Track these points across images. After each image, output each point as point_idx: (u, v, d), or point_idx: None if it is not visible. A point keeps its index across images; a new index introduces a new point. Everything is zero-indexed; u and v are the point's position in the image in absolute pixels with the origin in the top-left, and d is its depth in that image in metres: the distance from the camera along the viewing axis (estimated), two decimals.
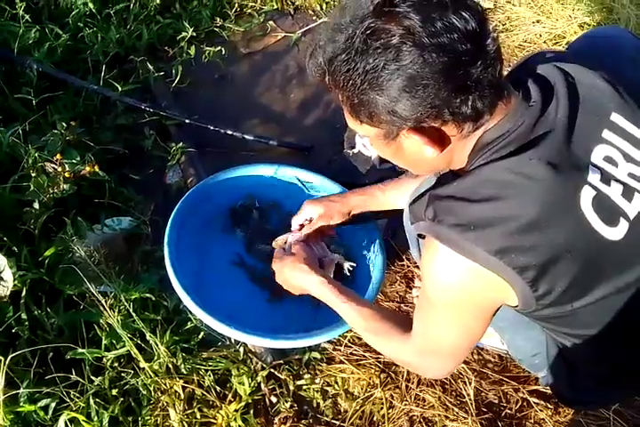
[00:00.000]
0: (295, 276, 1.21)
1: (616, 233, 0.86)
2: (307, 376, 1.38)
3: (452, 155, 0.90)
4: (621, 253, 0.88)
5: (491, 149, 0.86)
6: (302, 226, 1.35)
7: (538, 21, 2.14)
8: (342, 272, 1.37)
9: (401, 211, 1.29)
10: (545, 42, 2.09)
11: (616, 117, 0.91)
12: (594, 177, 0.86)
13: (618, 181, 0.88)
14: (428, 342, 1.00)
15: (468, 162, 0.90)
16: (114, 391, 1.26)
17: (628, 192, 0.88)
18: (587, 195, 0.84)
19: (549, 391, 1.37)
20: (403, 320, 1.10)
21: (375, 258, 1.48)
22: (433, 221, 0.85)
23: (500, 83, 0.83)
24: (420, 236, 0.96)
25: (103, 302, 1.28)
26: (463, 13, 0.78)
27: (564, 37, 2.08)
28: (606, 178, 0.87)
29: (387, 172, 1.70)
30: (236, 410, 1.28)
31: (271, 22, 2.13)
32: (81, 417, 1.19)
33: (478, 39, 0.79)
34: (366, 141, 1.71)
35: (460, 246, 0.82)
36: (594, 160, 0.87)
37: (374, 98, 0.81)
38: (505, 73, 0.94)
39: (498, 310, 0.94)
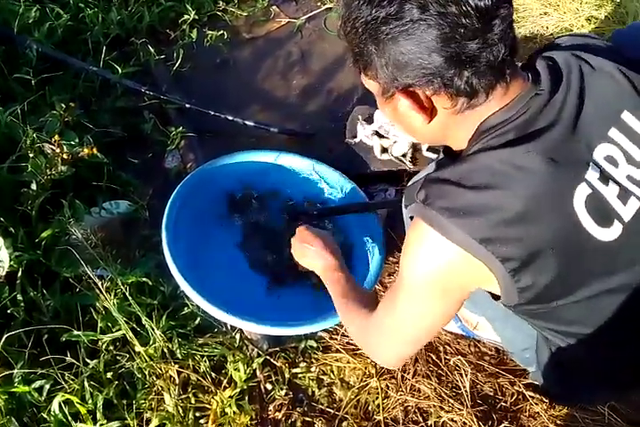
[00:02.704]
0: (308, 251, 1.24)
1: (608, 234, 0.85)
2: (302, 364, 1.38)
3: (446, 129, 0.89)
4: (613, 255, 0.87)
5: (490, 134, 0.84)
6: None
7: (545, 13, 2.12)
8: None
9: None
10: (552, 34, 2.07)
11: (627, 116, 0.89)
12: (592, 175, 0.84)
13: (615, 182, 0.86)
14: (393, 321, 0.97)
15: (468, 145, 0.88)
16: (109, 374, 1.26)
17: (623, 195, 0.87)
18: (581, 192, 0.83)
19: None
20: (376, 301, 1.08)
21: (374, 248, 1.48)
22: (423, 204, 0.84)
23: (501, 66, 0.81)
24: (412, 219, 0.94)
25: (99, 285, 1.27)
26: None
27: (571, 30, 2.07)
28: (605, 177, 0.85)
29: (387, 161, 1.69)
30: (231, 396, 1.28)
31: (275, 7, 2.11)
32: (75, 399, 1.19)
33: (486, 17, 0.77)
34: (368, 131, 1.70)
35: (448, 230, 0.81)
36: (595, 158, 0.86)
37: (370, 51, 0.82)
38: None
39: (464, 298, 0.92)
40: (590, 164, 0.85)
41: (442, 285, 0.87)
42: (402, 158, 1.67)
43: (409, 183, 1.14)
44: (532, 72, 0.87)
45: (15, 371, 1.17)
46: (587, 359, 1.05)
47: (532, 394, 1.37)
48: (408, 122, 0.89)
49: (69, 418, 1.18)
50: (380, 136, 1.70)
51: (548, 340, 1.07)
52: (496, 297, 0.91)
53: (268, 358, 1.36)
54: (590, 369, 1.08)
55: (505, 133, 0.83)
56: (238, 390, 1.29)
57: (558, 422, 1.34)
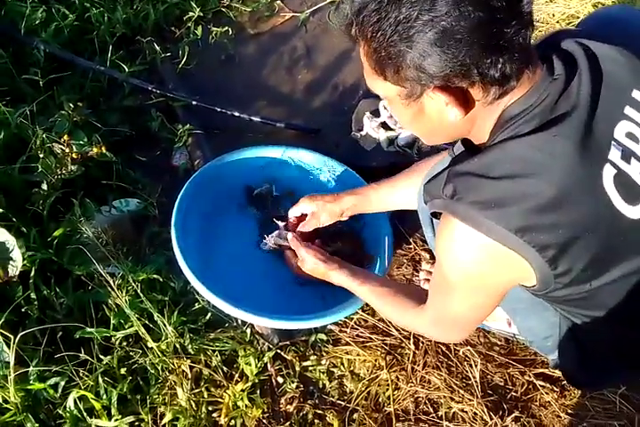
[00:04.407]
0: (313, 272, 1.31)
1: (637, 212, 0.86)
2: (313, 357, 1.39)
3: (474, 122, 0.89)
4: None
5: (514, 123, 0.84)
6: (297, 218, 1.40)
7: (551, 1, 2.10)
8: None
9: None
10: (558, 22, 2.05)
11: (637, 94, 0.90)
12: (615, 155, 0.85)
13: (638, 158, 0.87)
14: (442, 313, 1.02)
15: (491, 136, 0.88)
16: (122, 370, 1.28)
17: None
18: (608, 173, 0.84)
19: (555, 374, 1.38)
20: (415, 293, 1.16)
21: (382, 241, 1.48)
22: (451, 199, 0.84)
23: (529, 48, 0.82)
24: (433, 215, 0.95)
25: (111, 282, 1.29)
26: None
27: (578, 17, 2.04)
28: (627, 155, 0.86)
29: (394, 154, 1.69)
30: (243, 390, 1.30)
31: (279, 2, 2.10)
32: (90, 395, 1.21)
33: None
34: (374, 124, 1.70)
35: (480, 224, 0.81)
36: (616, 136, 0.86)
37: (404, 51, 0.79)
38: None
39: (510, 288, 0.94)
40: (612, 143, 0.85)
41: (481, 278, 0.89)
42: (407, 149, 1.67)
43: (425, 177, 1.15)
44: (544, 60, 0.87)
45: (31, 368, 1.19)
46: (615, 340, 1.06)
47: (542, 384, 1.37)
48: (435, 121, 0.88)
49: (84, 414, 1.20)
50: (387, 129, 1.70)
51: (573, 325, 1.08)
52: (527, 286, 0.92)
53: (278, 351, 1.38)
54: (614, 350, 1.08)
55: (530, 121, 0.84)
56: (250, 383, 1.31)
57: (569, 410, 1.34)
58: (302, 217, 1.40)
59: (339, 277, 1.25)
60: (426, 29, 0.76)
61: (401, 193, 1.30)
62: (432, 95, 0.83)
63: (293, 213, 1.40)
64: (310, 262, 1.29)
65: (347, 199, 1.36)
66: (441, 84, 0.81)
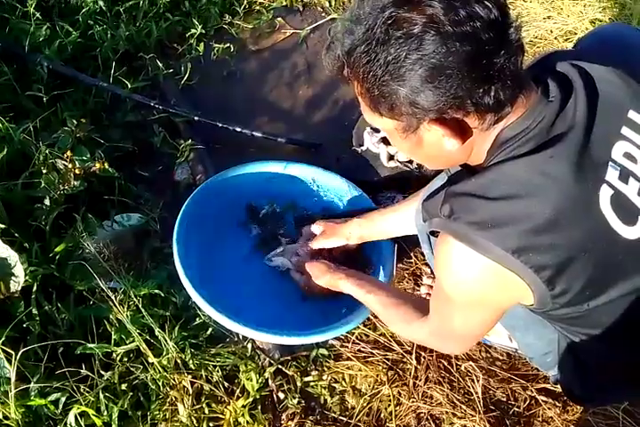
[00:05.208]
0: (321, 282, 1.34)
1: (634, 232, 0.86)
2: (314, 373, 1.39)
3: (472, 148, 0.89)
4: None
5: (511, 145, 0.85)
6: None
7: (549, 17, 2.12)
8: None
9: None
10: (556, 38, 2.07)
11: (633, 115, 0.90)
12: (612, 175, 0.85)
13: (636, 178, 0.87)
14: (443, 328, 1.03)
15: (487, 158, 0.89)
16: (123, 386, 1.27)
17: None
18: (605, 193, 0.84)
19: (558, 390, 1.37)
20: (419, 303, 1.16)
21: (384, 256, 1.49)
22: (449, 218, 0.85)
23: (520, 74, 0.83)
24: (432, 233, 0.95)
25: (113, 297, 1.29)
26: (485, 2, 0.77)
27: (575, 33, 2.06)
28: (625, 176, 0.86)
29: (394, 169, 1.70)
30: (244, 406, 1.29)
31: (280, 19, 2.13)
32: (91, 411, 1.20)
33: (501, 28, 0.78)
34: (375, 139, 1.71)
35: (478, 244, 0.82)
36: (614, 157, 0.87)
37: (396, 89, 0.80)
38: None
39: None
40: (609, 163, 0.86)
41: (480, 297, 0.89)
42: (408, 164, 1.68)
43: (423, 195, 1.16)
44: (539, 83, 0.88)
45: (32, 385, 1.19)
46: (613, 358, 1.05)
47: (544, 399, 1.37)
48: (434, 151, 0.89)
49: None
50: (387, 144, 1.71)
51: (572, 342, 1.07)
52: (525, 305, 0.92)
53: (279, 367, 1.37)
54: (616, 367, 1.08)
55: (526, 142, 0.84)
56: (251, 399, 1.31)
57: (572, 426, 1.33)
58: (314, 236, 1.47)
59: (345, 285, 1.28)
60: (416, 67, 0.77)
61: (404, 217, 1.33)
62: (428, 127, 0.84)
63: (308, 230, 1.47)
64: (317, 274, 1.33)
65: (354, 221, 1.43)
66: (436, 117, 0.82)
